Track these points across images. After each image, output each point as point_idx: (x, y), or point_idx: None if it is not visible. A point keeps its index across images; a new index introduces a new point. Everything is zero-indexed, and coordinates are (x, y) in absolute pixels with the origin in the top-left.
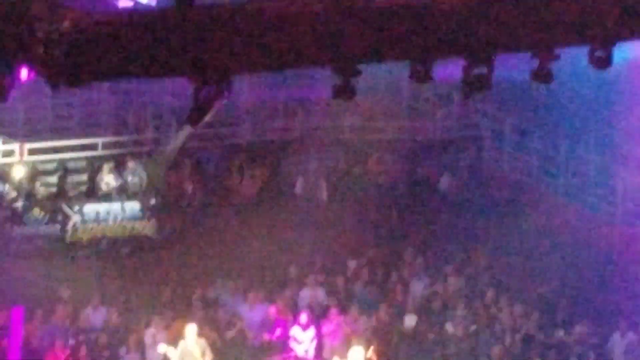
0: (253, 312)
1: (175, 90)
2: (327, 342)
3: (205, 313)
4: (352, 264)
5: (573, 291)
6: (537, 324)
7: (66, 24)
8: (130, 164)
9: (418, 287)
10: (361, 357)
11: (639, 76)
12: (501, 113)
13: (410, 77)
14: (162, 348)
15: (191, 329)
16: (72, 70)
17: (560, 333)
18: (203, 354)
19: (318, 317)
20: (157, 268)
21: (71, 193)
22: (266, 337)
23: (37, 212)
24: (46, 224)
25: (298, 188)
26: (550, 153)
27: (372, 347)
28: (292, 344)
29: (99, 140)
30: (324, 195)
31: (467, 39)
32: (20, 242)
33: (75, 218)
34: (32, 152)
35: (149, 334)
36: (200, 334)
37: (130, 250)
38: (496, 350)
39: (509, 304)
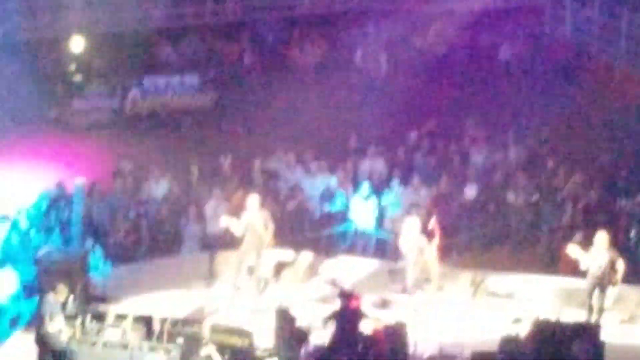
0: (314, 183)
1: None
2: (387, 213)
3: (266, 184)
4: (412, 135)
5: (633, 159)
6: (598, 194)
7: None
8: (190, 36)
9: (478, 158)
10: (418, 228)
11: None
12: None
13: None
14: (225, 221)
15: (253, 200)
16: None
17: (622, 202)
18: (265, 226)
19: (378, 188)
20: (217, 140)
21: (130, 66)
22: (327, 208)
23: (96, 85)
24: (106, 97)
25: (357, 59)
26: (610, 21)
27: (433, 218)
28: (353, 215)
29: (157, 13)
30: (383, 66)
31: None
32: (80, 115)
33: (134, 91)
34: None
35: (209, 206)
36: (261, 205)
37: (190, 123)
38: (558, 220)
39: (569, 173)
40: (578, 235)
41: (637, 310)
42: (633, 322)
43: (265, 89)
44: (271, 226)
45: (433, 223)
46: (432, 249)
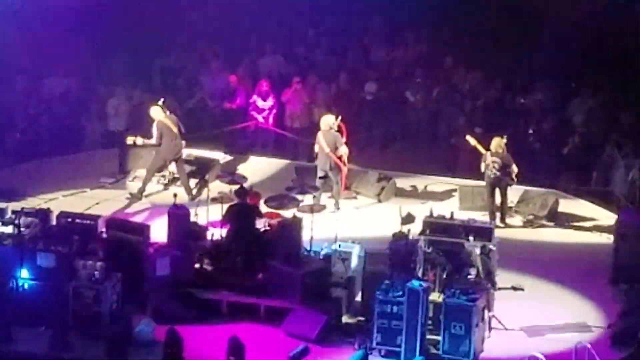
0: (213, 81)
1: None
2: (287, 109)
3: (165, 82)
4: (310, 32)
5: (532, 57)
6: (496, 91)
7: None
8: None
9: (379, 54)
10: (329, 124)
11: None
12: None
13: None
14: (140, 141)
15: (157, 108)
16: None
17: (520, 99)
18: (177, 126)
19: (278, 85)
20: (117, 38)
21: None
22: (227, 105)
23: None
24: None
25: None
26: None
27: (339, 117)
28: (253, 112)
29: None
30: None
31: None
32: None
33: None
34: None
35: (110, 103)
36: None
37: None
38: (457, 117)
39: (468, 71)
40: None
41: (540, 211)
42: (533, 223)
43: None
44: (182, 126)
45: (338, 120)
46: (342, 148)
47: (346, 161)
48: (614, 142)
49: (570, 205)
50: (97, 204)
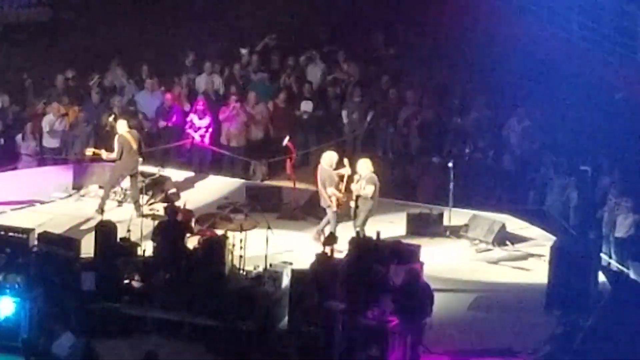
0: (150, 99)
1: None
2: (224, 128)
3: (102, 100)
4: (244, 51)
5: (468, 76)
6: (433, 111)
7: None
8: None
9: (315, 73)
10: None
11: None
12: None
13: None
14: (104, 153)
15: (123, 123)
16: None
17: (457, 119)
18: (138, 142)
19: (215, 104)
20: (53, 55)
21: None
22: (162, 124)
23: None
24: None
25: None
26: None
27: (287, 137)
28: (188, 131)
29: None
30: None
31: None
32: None
33: None
34: None
35: (46, 120)
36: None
37: (25, 37)
38: (392, 136)
39: (404, 90)
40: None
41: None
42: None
43: (103, 4)
44: (142, 144)
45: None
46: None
47: (335, 202)
48: (549, 162)
49: (517, 229)
50: (51, 220)
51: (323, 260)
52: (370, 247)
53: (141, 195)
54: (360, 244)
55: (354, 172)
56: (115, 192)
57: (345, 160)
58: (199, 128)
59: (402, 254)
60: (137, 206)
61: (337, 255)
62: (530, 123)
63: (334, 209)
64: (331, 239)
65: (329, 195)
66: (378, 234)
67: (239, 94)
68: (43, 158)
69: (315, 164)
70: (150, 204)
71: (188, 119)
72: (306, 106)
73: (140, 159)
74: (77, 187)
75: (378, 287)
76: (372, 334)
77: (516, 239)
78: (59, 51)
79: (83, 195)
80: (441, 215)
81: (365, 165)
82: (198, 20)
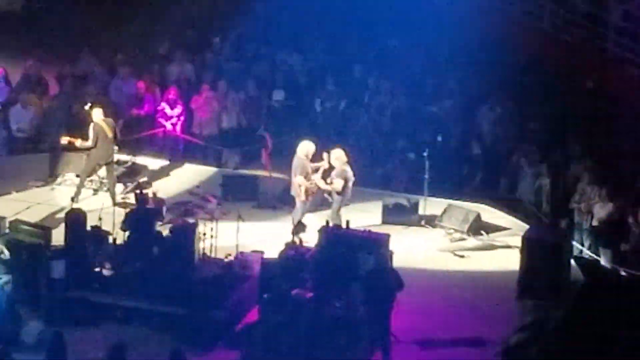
0: (122, 87)
1: None
2: (196, 116)
3: (74, 89)
4: (216, 40)
5: (441, 66)
6: (405, 99)
7: None
8: None
9: (287, 61)
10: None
11: None
12: None
13: None
14: (78, 142)
15: (98, 110)
16: None
17: (430, 107)
18: (113, 130)
19: (186, 92)
20: (25, 44)
21: None
22: (134, 112)
23: None
24: None
25: None
26: None
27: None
28: (160, 119)
29: None
30: None
31: None
32: None
33: None
34: None
35: (15, 110)
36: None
37: None
38: (365, 126)
39: (376, 79)
40: None
41: (461, 225)
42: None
43: None
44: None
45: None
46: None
47: (303, 192)
48: (521, 150)
49: (492, 218)
50: (27, 208)
51: (292, 249)
52: (339, 236)
53: (117, 184)
54: (329, 233)
55: (331, 165)
56: (91, 181)
57: (325, 155)
58: (171, 117)
59: (371, 243)
60: (113, 194)
61: (307, 244)
62: (501, 111)
63: (302, 198)
64: (300, 228)
65: (299, 185)
66: (347, 223)
67: (211, 82)
68: (16, 147)
69: (288, 153)
70: (126, 192)
71: (159, 107)
72: (278, 95)
73: (116, 148)
74: (54, 175)
75: (347, 276)
76: (340, 323)
77: (491, 229)
78: (30, 40)
79: (59, 184)
80: (416, 204)
81: (337, 156)
82: (172, 6)
